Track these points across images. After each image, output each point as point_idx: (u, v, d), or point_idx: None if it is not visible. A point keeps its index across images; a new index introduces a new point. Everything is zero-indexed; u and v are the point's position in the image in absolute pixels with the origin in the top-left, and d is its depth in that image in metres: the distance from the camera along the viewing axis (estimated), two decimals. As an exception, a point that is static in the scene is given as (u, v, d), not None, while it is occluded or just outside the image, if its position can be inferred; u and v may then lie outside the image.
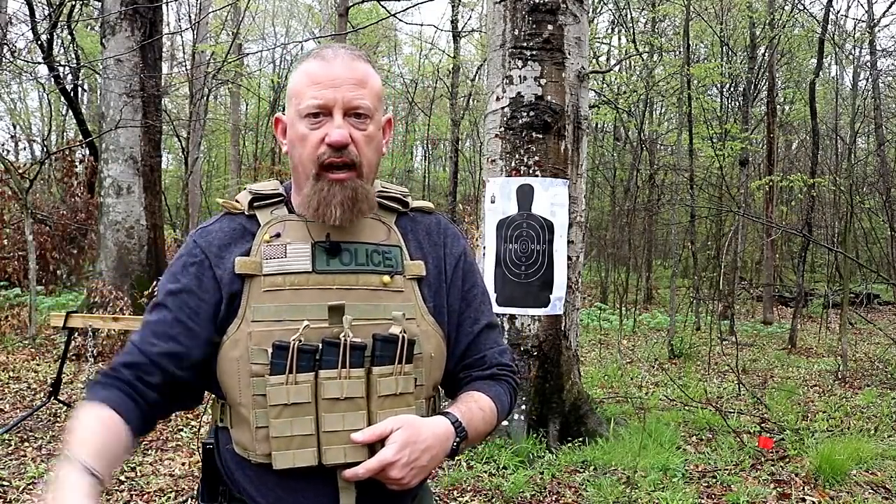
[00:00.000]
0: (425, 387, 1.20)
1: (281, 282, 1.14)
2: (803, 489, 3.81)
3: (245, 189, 1.25)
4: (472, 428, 1.18)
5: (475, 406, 1.21)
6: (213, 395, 1.24)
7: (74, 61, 13.84)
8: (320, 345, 1.11)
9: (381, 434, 1.09)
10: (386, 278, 1.18)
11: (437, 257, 1.26)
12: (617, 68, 15.80)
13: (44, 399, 5.05)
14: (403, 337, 1.13)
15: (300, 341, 1.10)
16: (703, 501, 3.64)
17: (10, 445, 4.27)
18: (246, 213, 1.21)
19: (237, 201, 1.23)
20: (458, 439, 1.14)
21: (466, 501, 3.59)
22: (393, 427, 1.09)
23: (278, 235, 1.17)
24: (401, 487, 1.10)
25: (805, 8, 13.48)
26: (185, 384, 1.17)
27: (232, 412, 1.16)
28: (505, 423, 4.44)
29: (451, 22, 18.19)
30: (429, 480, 1.36)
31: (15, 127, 22.73)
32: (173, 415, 4.97)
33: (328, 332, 1.13)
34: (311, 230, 1.18)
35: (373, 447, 1.11)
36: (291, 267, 1.15)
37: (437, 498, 3.63)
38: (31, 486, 3.64)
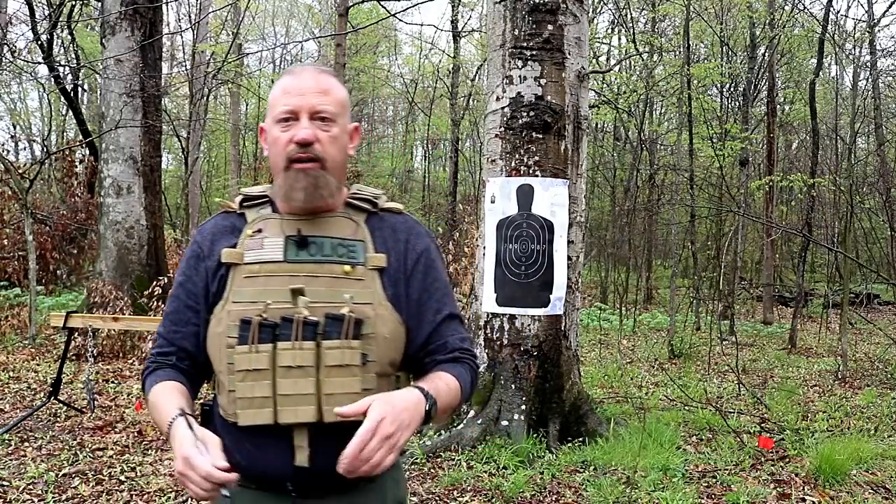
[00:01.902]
0: (378, 363, 1.34)
1: (258, 269, 1.34)
2: (803, 489, 3.81)
3: (240, 192, 1.47)
4: (440, 398, 1.31)
5: (440, 382, 1.35)
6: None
7: (74, 61, 13.84)
8: (279, 321, 1.29)
9: (361, 409, 1.21)
10: (347, 268, 1.35)
11: (399, 252, 1.41)
12: (617, 68, 15.79)
13: (44, 399, 5.05)
14: (350, 316, 1.30)
15: (262, 317, 1.29)
16: (703, 501, 3.64)
17: (10, 445, 4.27)
18: (237, 211, 1.43)
19: (233, 202, 1.45)
20: (428, 404, 1.28)
21: (466, 501, 3.59)
22: (369, 402, 1.22)
23: (260, 231, 1.38)
24: (388, 448, 1.19)
25: (805, 8, 13.47)
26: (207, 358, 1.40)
27: (217, 381, 1.38)
28: (505, 422, 4.44)
29: (451, 22, 18.19)
30: (404, 465, 1.42)
31: (15, 127, 22.73)
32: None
33: (289, 312, 1.30)
34: (285, 226, 1.38)
35: (320, 409, 1.28)
36: (266, 257, 1.35)
37: (436, 498, 3.64)
38: (31, 486, 3.64)
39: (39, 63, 11.52)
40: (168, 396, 1.31)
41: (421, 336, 1.41)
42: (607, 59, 18.35)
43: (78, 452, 4.17)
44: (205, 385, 1.49)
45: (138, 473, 3.87)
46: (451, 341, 1.42)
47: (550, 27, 4.57)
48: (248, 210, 1.42)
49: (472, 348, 1.49)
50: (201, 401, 1.46)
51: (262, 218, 1.40)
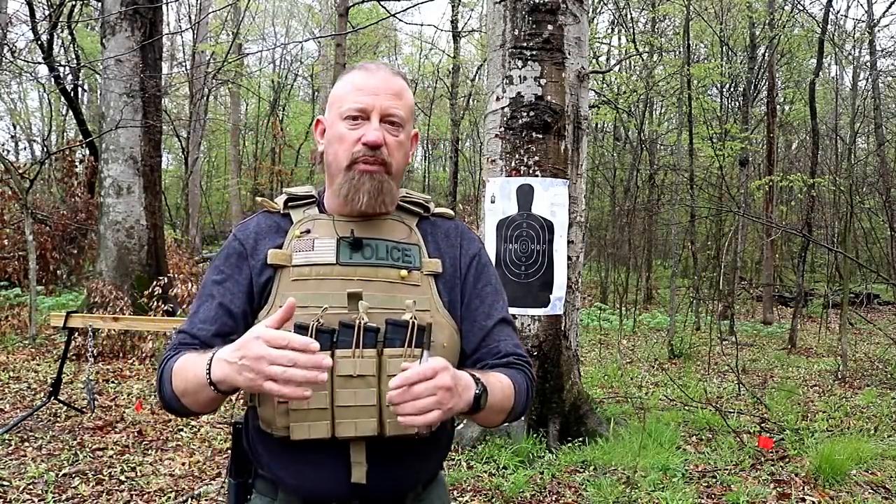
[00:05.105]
0: None
1: (308, 272, 1.26)
2: (803, 489, 3.81)
3: (282, 192, 1.38)
4: (491, 390, 1.20)
5: (492, 377, 1.24)
6: None
7: (74, 61, 13.84)
8: (337, 326, 1.20)
9: (423, 373, 1.08)
10: (403, 273, 1.28)
11: (453, 257, 1.36)
12: (617, 68, 15.78)
13: (44, 399, 5.05)
14: (414, 322, 1.20)
15: (319, 322, 1.19)
16: (703, 501, 3.64)
17: (10, 445, 4.27)
18: (281, 212, 1.35)
19: (275, 202, 1.36)
20: (478, 389, 1.16)
21: (466, 501, 3.59)
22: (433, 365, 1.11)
23: (308, 232, 1.30)
24: (439, 399, 1.06)
25: (805, 8, 13.48)
26: None
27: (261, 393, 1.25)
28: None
29: (451, 22, 18.20)
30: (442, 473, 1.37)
31: (15, 127, 22.74)
32: (173, 415, 4.97)
33: (347, 317, 1.21)
34: (337, 227, 1.30)
35: (382, 422, 1.19)
36: (317, 259, 1.27)
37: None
38: (31, 486, 3.64)
39: (39, 63, 11.53)
40: (198, 356, 1.18)
41: (472, 342, 1.33)
42: (607, 59, 18.35)
43: (78, 452, 4.17)
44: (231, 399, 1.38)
45: (138, 473, 3.87)
46: (504, 346, 1.34)
47: (550, 27, 4.57)
48: (293, 210, 1.34)
49: (526, 356, 1.38)
50: (231, 419, 1.37)
51: (310, 218, 1.32)
